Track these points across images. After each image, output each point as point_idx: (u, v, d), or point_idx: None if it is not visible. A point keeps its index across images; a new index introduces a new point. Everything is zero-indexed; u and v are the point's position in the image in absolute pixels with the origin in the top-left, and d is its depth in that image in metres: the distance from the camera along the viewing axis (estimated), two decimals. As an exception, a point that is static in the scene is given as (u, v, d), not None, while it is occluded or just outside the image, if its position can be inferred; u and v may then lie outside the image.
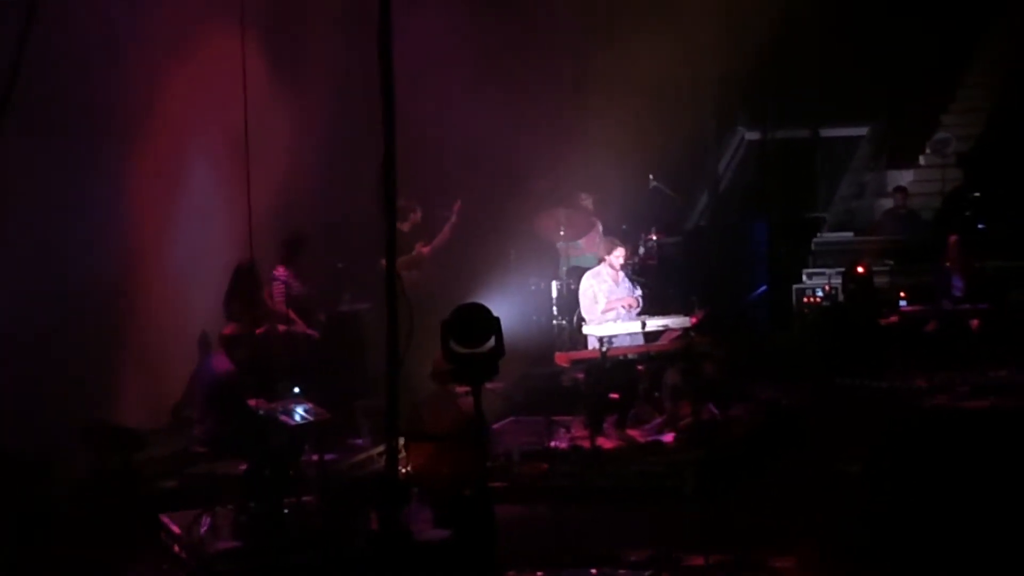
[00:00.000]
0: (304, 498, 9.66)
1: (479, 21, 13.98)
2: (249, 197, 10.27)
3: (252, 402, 9.89)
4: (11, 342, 10.20)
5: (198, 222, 12.18)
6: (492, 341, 7.94)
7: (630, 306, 12.34)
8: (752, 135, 18.77)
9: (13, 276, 10.05)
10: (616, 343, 11.93)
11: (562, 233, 14.41)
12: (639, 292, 12.62)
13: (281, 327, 11.47)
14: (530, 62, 14.81)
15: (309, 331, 11.89)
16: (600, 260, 12.74)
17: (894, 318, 13.44)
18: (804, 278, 15.56)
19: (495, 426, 11.70)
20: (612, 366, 11.80)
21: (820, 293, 15.14)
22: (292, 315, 11.83)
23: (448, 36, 13.68)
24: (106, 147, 11.32)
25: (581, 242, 14.57)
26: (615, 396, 12.00)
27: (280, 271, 11.85)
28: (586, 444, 11.45)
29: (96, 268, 11.17)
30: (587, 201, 14.75)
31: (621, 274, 12.55)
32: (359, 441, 11.38)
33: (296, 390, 10.14)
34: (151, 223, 11.84)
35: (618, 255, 12.52)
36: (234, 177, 11.28)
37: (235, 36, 10.05)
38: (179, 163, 12.17)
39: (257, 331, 10.98)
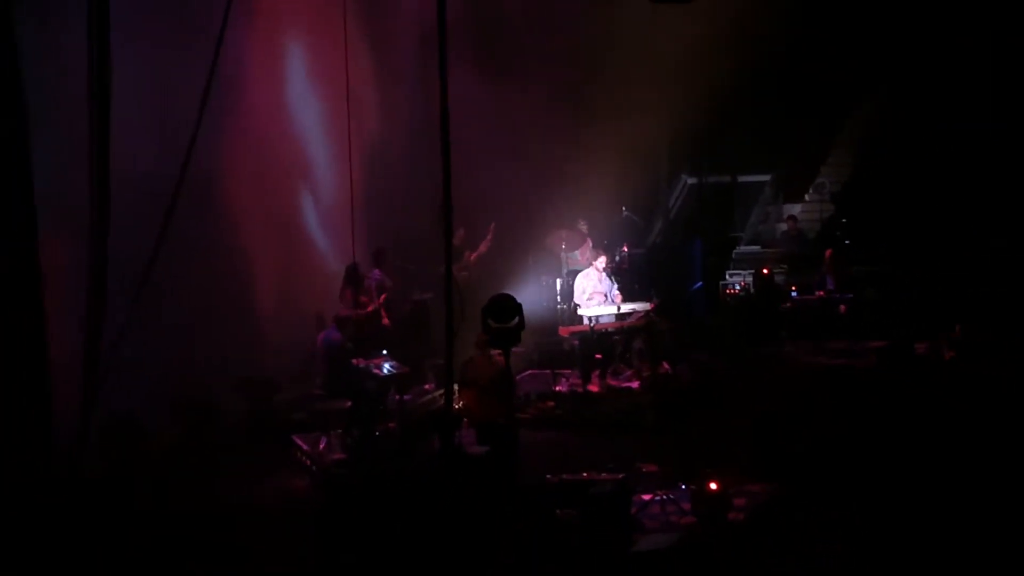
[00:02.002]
0: (389, 425, 9.72)
1: (506, 102, 13.82)
2: (352, 218, 10.17)
3: (354, 361, 9.94)
4: (184, 322, 10.07)
5: (314, 230, 12.06)
6: (516, 319, 7.96)
7: (604, 295, 12.33)
8: (692, 180, 18.62)
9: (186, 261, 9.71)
10: (600, 321, 11.97)
11: (563, 247, 14.28)
12: (615, 287, 12.55)
13: (373, 307, 11.29)
14: (542, 131, 14.65)
15: (385, 318, 11.53)
16: (589, 264, 12.75)
17: (788, 305, 13.28)
18: (727, 277, 15.33)
19: (518, 377, 11.58)
20: (598, 336, 11.85)
21: (738, 287, 14.92)
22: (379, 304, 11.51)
23: (486, 115, 13.52)
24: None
25: (577, 253, 14.42)
26: (599, 356, 11.96)
27: (376, 273, 11.77)
28: (580, 389, 11.50)
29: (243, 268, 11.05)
30: (581, 225, 14.64)
31: (603, 274, 12.54)
32: (427, 387, 11.30)
33: (384, 352, 10.15)
34: (280, 237, 11.63)
35: (601, 261, 12.56)
36: (342, 209, 11.25)
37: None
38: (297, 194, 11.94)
39: (360, 313, 10.86)
